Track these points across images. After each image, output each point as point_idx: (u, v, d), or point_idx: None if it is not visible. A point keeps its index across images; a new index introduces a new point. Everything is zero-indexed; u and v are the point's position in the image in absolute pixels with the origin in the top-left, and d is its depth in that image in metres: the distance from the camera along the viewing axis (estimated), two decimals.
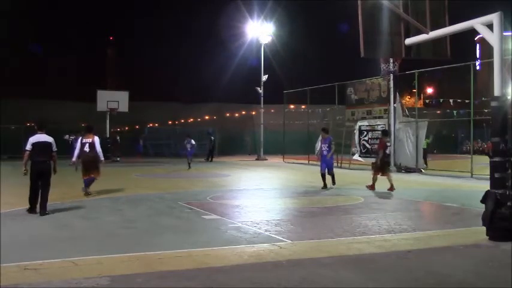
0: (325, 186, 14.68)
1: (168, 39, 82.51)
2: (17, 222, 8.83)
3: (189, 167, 22.80)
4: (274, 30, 35.68)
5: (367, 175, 20.03)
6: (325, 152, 14.98)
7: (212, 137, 31.83)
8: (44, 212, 9.45)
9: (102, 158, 12.64)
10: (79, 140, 12.70)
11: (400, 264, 6.25)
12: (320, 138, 16.55)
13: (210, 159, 30.61)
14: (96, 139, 12.50)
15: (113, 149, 30.30)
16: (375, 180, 14.44)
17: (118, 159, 29.76)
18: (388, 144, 15.20)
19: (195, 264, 6.05)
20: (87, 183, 12.47)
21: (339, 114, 28.74)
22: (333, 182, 15.02)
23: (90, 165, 12.42)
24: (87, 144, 12.38)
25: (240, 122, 41.97)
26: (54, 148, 9.83)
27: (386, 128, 22.40)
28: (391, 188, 14.03)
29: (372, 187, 14.36)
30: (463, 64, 21.21)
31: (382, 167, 14.54)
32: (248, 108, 42.25)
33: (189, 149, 23.20)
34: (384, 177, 14.35)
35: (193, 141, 23.32)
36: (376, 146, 22.69)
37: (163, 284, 5.33)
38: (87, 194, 12.39)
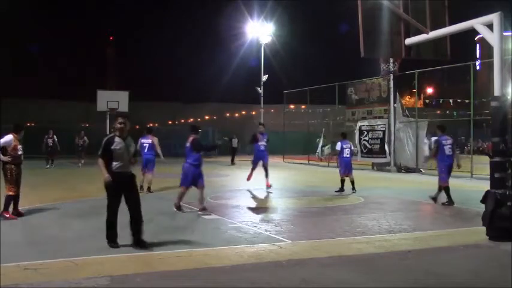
0: (451, 202, 11.47)
1: (168, 39, 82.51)
2: (16, 222, 8.82)
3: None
4: (274, 30, 35.67)
5: (366, 175, 20.08)
6: (449, 152, 11.68)
7: (232, 138, 30.07)
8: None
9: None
10: None
11: (400, 264, 6.25)
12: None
13: (232, 162, 28.55)
14: (6, 137, 9.22)
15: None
16: None
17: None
18: None
19: (195, 264, 6.05)
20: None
21: (339, 114, 28.73)
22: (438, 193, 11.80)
23: None
24: None
25: (240, 122, 41.98)
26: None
27: (386, 128, 22.42)
28: None
29: None
30: (463, 64, 21.22)
31: None
32: (248, 108, 42.31)
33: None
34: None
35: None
36: (376, 146, 22.82)
37: (163, 284, 5.33)
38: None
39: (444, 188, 11.57)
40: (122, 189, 6.82)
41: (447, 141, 11.72)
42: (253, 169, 14.41)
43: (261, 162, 14.25)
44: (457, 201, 11.62)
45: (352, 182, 13.79)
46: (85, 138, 24.64)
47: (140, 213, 6.88)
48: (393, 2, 9.77)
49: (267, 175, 14.11)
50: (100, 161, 6.84)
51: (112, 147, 6.77)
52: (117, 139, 6.85)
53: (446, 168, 11.60)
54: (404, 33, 9.87)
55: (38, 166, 21.97)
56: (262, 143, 14.31)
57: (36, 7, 63.57)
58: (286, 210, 10.94)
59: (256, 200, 12.45)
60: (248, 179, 14.31)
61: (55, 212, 10.00)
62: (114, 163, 6.76)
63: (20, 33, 58.67)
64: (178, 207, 10.14)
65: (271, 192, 13.60)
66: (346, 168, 13.92)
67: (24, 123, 9.67)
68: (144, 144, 13.30)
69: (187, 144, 10.04)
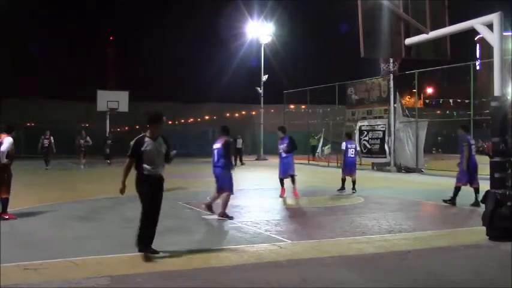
0: (454, 203, 11.28)
1: (168, 39, 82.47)
2: (16, 222, 8.82)
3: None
4: (274, 30, 35.67)
5: (366, 175, 20.05)
6: (474, 153, 11.30)
7: (237, 139, 28.20)
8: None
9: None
10: None
11: (400, 264, 6.25)
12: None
13: (240, 162, 27.53)
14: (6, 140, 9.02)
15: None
16: None
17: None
18: None
19: (195, 264, 6.05)
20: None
21: (339, 114, 28.73)
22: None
23: None
24: None
25: (240, 122, 41.94)
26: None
27: (386, 128, 22.40)
28: None
29: None
30: (463, 64, 21.23)
31: None
32: (248, 108, 42.29)
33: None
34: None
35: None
36: (376, 146, 22.81)
37: (163, 284, 5.33)
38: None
39: (456, 187, 11.32)
40: (152, 191, 6.54)
41: (472, 141, 11.43)
42: (283, 183, 12.86)
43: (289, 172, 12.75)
44: (457, 201, 11.62)
45: (354, 182, 13.77)
46: (88, 138, 23.99)
47: (156, 221, 6.56)
48: (393, 2, 9.77)
49: (293, 182, 12.72)
50: (126, 163, 6.52)
51: (142, 148, 6.42)
52: (147, 139, 6.50)
53: (470, 169, 11.13)
54: (404, 33, 9.87)
55: (37, 166, 21.96)
56: (281, 149, 12.76)
57: (36, 7, 63.38)
58: (287, 210, 10.94)
59: (256, 200, 12.44)
60: (295, 194, 12.63)
61: (55, 211, 9.99)
62: (144, 165, 6.43)
63: (20, 33, 58.57)
64: (227, 215, 9.29)
65: (284, 197, 12.64)
66: (349, 168, 13.87)
67: (16, 124, 9.56)
68: None
69: (218, 146, 9.41)
